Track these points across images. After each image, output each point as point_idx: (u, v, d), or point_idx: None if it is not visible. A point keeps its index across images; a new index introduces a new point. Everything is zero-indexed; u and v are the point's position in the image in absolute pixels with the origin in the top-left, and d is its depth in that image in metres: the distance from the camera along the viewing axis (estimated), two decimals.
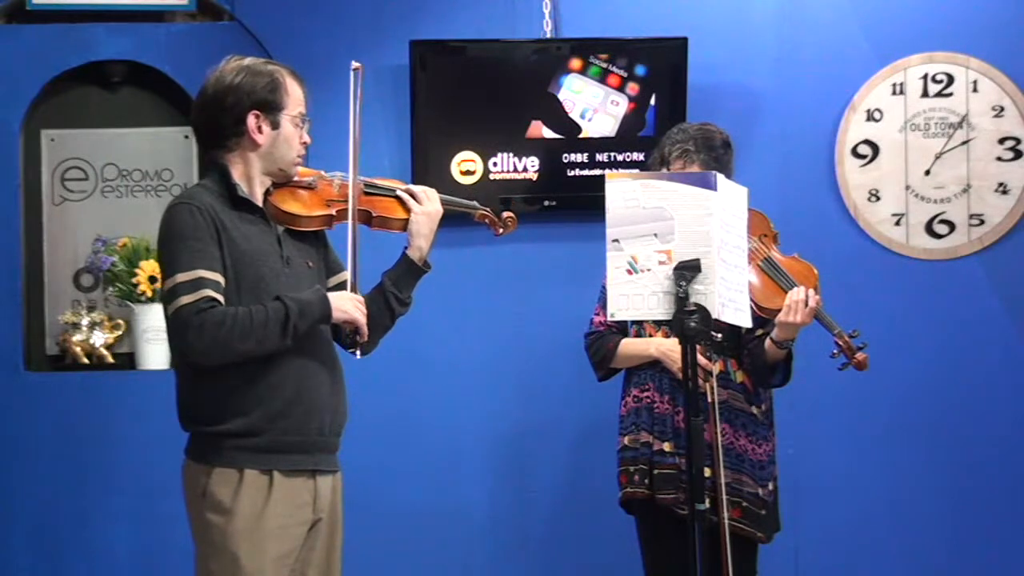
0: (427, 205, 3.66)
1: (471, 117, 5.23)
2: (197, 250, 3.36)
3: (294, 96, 3.53)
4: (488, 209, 3.87)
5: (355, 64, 3.62)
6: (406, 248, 3.68)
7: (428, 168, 5.17)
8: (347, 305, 3.49)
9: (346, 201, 3.59)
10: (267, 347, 3.38)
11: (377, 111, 5.22)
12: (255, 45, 5.12)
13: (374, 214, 3.65)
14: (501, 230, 3.88)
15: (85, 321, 5.22)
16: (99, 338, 5.20)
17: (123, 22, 5.24)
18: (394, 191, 3.70)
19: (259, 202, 3.53)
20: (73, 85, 5.32)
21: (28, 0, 5.17)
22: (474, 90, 5.23)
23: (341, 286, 3.61)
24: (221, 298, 3.36)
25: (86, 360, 5.20)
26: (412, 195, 3.67)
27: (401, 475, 5.22)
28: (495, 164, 5.23)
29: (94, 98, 5.34)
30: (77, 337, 5.20)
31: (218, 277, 3.37)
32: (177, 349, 3.42)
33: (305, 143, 3.57)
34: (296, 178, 3.58)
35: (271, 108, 3.49)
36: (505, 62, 5.24)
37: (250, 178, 3.52)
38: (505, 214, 3.88)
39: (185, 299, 3.33)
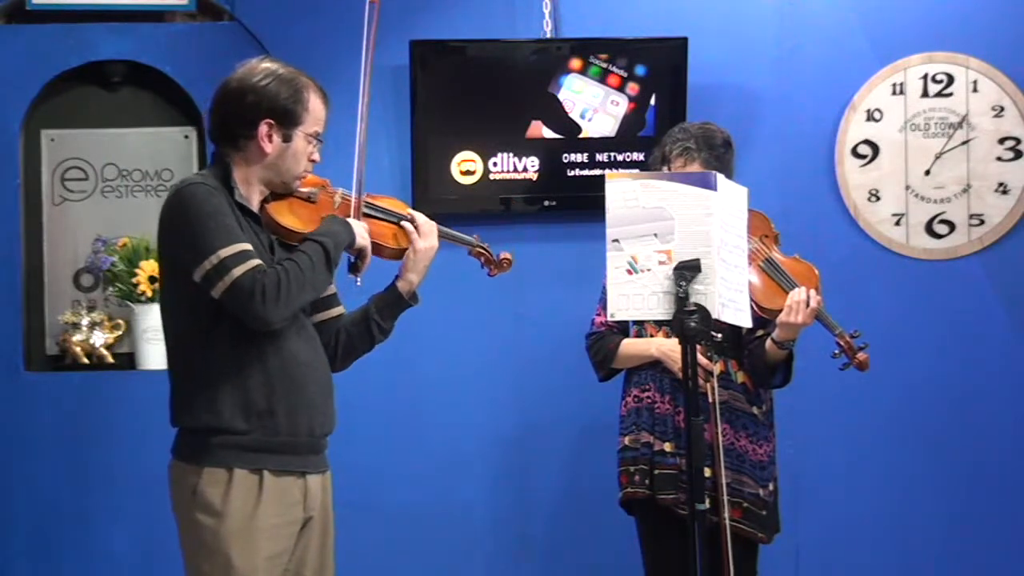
0: (425, 241, 3.61)
1: (471, 117, 5.22)
2: (229, 226, 3.31)
3: (315, 114, 3.46)
4: (485, 246, 3.80)
5: None
6: (397, 278, 3.62)
7: (428, 168, 5.17)
8: (363, 234, 3.52)
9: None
10: (320, 288, 3.44)
11: (377, 111, 5.19)
12: (255, 45, 5.11)
13: None
14: (495, 270, 3.81)
15: (85, 321, 5.22)
16: (99, 338, 5.20)
17: (123, 22, 5.24)
18: (398, 219, 3.62)
19: (255, 208, 3.46)
20: (73, 85, 5.31)
21: (28, 0, 5.17)
22: (474, 90, 5.22)
23: (328, 299, 3.56)
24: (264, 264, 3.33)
25: (86, 360, 5.20)
26: (416, 227, 3.61)
27: (401, 475, 5.21)
28: (495, 164, 5.23)
29: (94, 98, 5.33)
30: (77, 337, 5.20)
31: (253, 248, 3.34)
32: (243, 318, 3.33)
33: (314, 161, 3.51)
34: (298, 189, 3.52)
35: (287, 121, 3.42)
36: (505, 62, 5.24)
37: (249, 183, 3.45)
38: (502, 255, 3.80)
39: (238, 271, 3.27)
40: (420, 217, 3.64)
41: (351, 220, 3.50)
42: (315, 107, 3.47)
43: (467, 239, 3.79)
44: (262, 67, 3.45)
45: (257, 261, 3.31)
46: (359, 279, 3.55)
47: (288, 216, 3.48)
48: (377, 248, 3.58)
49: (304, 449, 3.46)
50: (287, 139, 3.43)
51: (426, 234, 3.61)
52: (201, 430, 3.38)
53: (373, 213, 3.60)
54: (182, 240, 3.35)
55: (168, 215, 3.39)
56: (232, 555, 3.33)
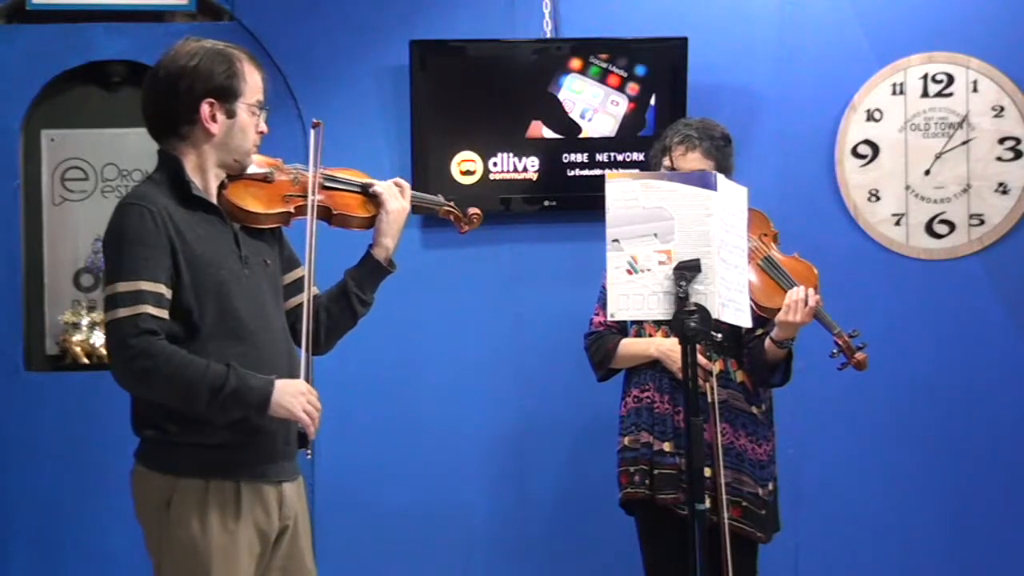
0: (395, 203, 3.51)
1: (471, 117, 5.22)
2: (144, 258, 3.17)
3: (252, 83, 3.34)
4: (452, 204, 3.75)
5: (315, 121, 3.44)
6: (371, 247, 3.53)
7: (428, 168, 5.16)
8: (292, 403, 3.23)
9: (304, 196, 3.41)
10: (188, 405, 3.19)
11: (377, 111, 5.21)
12: (255, 45, 5.11)
13: (334, 211, 3.47)
14: (466, 227, 3.75)
15: (85, 321, 5.22)
16: (99, 338, 5.20)
17: (123, 22, 5.24)
18: (360, 187, 3.53)
19: (214, 197, 3.34)
20: (73, 85, 5.31)
21: (28, 0, 5.17)
22: (474, 90, 5.22)
23: (298, 284, 3.45)
24: (162, 313, 3.18)
25: (86, 360, 5.20)
26: (382, 191, 3.51)
27: (401, 475, 5.21)
28: (495, 164, 5.23)
29: (94, 98, 5.33)
30: (77, 337, 5.20)
31: (160, 289, 3.18)
32: (107, 357, 3.25)
33: (262, 132, 3.39)
34: (251, 169, 3.40)
35: (227, 96, 3.30)
36: (505, 62, 5.24)
37: (204, 171, 3.33)
38: (471, 210, 3.74)
39: (123, 312, 3.15)
40: (383, 183, 3.55)
41: (289, 388, 3.23)
42: (251, 76, 3.35)
43: (436, 199, 3.73)
44: (186, 49, 3.32)
45: (146, 308, 3.15)
46: (309, 452, 3.35)
47: (248, 198, 3.37)
48: (346, 219, 3.50)
49: (280, 456, 3.33)
50: (231, 114, 3.31)
51: (394, 196, 3.52)
52: (172, 441, 3.27)
53: (335, 185, 3.51)
54: (104, 258, 3.28)
55: (106, 230, 3.28)
56: (212, 569, 3.22)
